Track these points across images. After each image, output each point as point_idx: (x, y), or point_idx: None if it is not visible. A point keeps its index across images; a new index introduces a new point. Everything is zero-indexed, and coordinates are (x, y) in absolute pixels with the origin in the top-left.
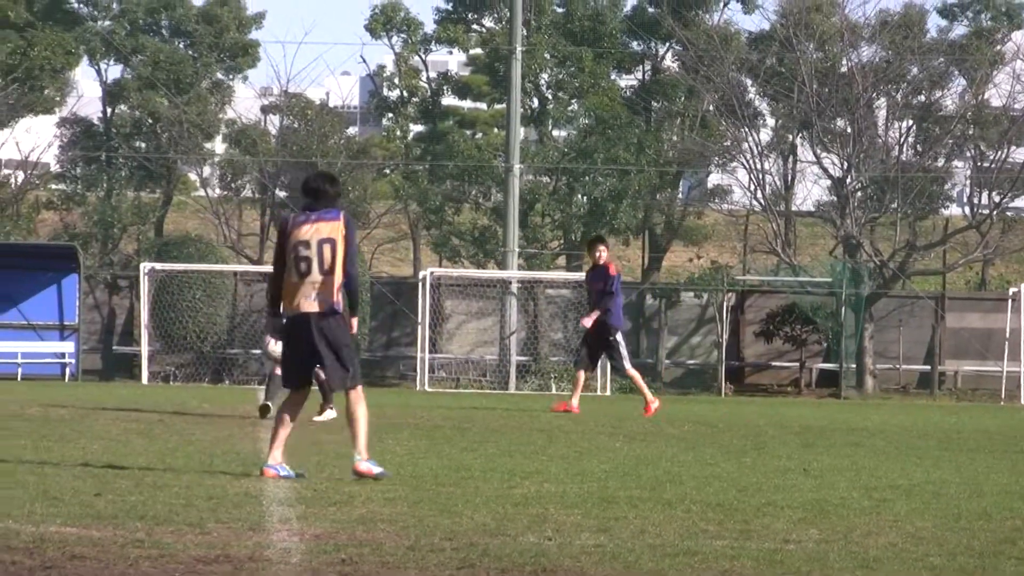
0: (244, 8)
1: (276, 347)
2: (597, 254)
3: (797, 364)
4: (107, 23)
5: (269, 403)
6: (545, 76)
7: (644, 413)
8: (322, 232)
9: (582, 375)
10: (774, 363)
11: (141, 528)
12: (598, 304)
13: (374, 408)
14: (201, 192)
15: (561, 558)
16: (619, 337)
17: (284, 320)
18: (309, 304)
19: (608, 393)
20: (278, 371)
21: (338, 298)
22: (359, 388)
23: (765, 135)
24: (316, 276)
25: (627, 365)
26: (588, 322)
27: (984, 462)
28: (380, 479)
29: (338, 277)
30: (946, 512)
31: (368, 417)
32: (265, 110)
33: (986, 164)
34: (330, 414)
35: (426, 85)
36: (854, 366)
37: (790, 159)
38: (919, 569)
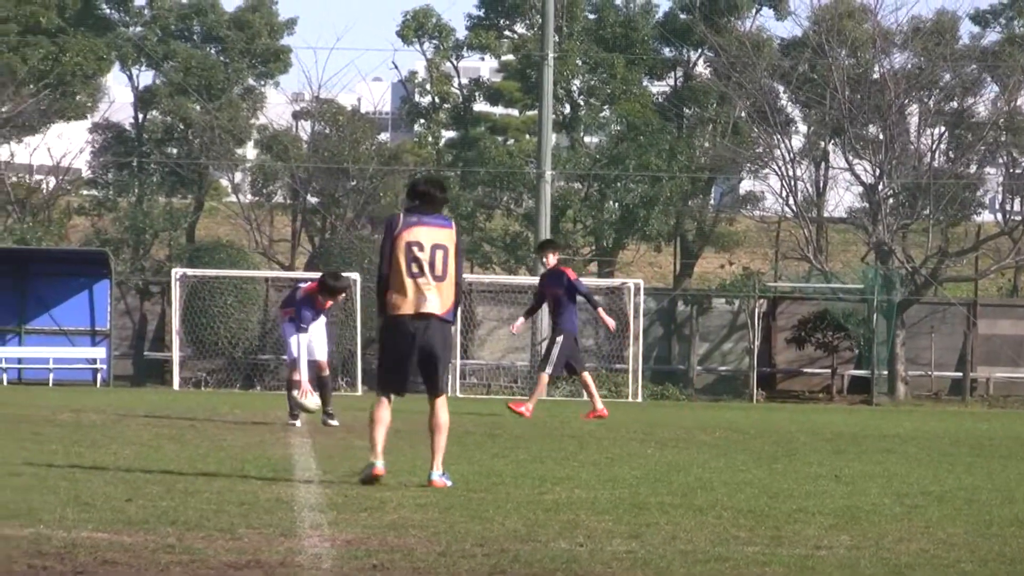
0: (276, 14)
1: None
2: (545, 259)
3: (829, 371)
4: (139, 29)
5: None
6: (577, 82)
7: (587, 415)
8: (436, 237)
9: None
10: (806, 369)
11: (172, 533)
12: (557, 309)
13: (406, 414)
14: (232, 198)
15: (592, 564)
16: (559, 340)
17: (386, 319)
18: (427, 306)
19: (640, 400)
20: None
21: (452, 307)
22: (444, 396)
23: (797, 141)
24: (428, 280)
25: (548, 370)
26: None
27: (1016, 469)
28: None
29: (452, 285)
30: (978, 519)
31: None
32: (296, 116)
33: (1018, 171)
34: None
35: (458, 91)
36: (886, 372)
37: (822, 165)
38: (949, 574)
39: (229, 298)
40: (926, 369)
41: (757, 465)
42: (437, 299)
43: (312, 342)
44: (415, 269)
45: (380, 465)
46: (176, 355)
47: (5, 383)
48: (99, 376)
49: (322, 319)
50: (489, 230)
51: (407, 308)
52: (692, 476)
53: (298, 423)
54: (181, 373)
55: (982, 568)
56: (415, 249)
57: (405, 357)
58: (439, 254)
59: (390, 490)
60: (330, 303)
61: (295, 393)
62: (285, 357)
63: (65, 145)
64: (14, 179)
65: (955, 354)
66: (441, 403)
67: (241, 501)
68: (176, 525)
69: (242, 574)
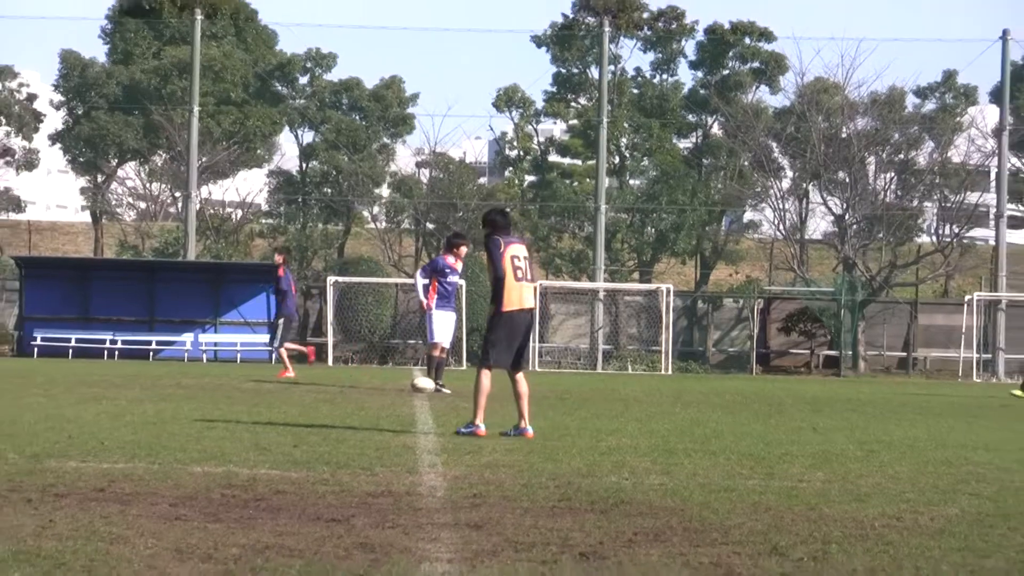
0: (403, 90)
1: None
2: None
3: (808, 351)
4: (302, 101)
5: (435, 382)
6: (624, 140)
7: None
8: (524, 251)
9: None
10: (792, 350)
11: (326, 471)
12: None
13: (497, 384)
14: (371, 225)
15: (635, 493)
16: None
17: (505, 316)
18: (530, 302)
19: (669, 372)
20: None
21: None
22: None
23: (786, 183)
24: (527, 282)
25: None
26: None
27: (947, 423)
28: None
29: (534, 285)
30: (918, 460)
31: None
32: (418, 165)
33: (948, 205)
34: (431, 386)
35: (536, 147)
36: (850, 353)
37: (804, 201)
38: (898, 502)
39: (368, 298)
40: (880, 350)
41: (755, 421)
42: (532, 297)
43: (448, 328)
44: (519, 274)
45: (483, 427)
46: (330, 340)
47: (205, 360)
48: (273, 356)
49: (452, 316)
50: (559, 248)
51: (518, 305)
52: (708, 428)
53: (448, 390)
54: (334, 353)
55: (921, 496)
56: (519, 260)
57: (516, 339)
58: (527, 263)
59: (486, 439)
60: (458, 262)
61: (418, 375)
62: (421, 341)
63: (248, 187)
64: (211, 211)
65: (901, 339)
66: (524, 375)
67: (377, 447)
68: (329, 465)
69: (378, 501)
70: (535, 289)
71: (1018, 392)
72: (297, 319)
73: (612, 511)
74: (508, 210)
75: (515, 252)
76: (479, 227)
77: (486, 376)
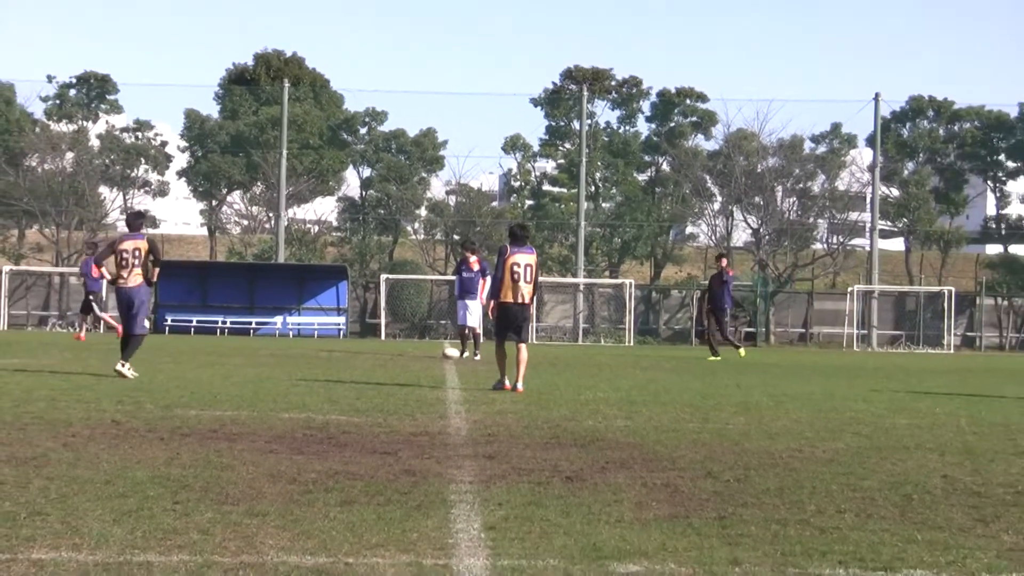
0: (436, 137)
1: (470, 319)
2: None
3: (733, 328)
4: (362, 146)
5: (457, 352)
6: (598, 174)
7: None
8: (526, 259)
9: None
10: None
11: (380, 417)
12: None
13: (511, 353)
14: (413, 236)
15: (606, 433)
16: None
17: (499, 305)
18: (521, 298)
19: (631, 344)
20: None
21: (532, 297)
22: (527, 343)
23: (716, 205)
24: (522, 283)
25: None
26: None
27: (835, 381)
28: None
29: (533, 287)
30: (814, 408)
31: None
32: (448, 192)
33: (835, 221)
34: (457, 354)
35: (534, 179)
36: (764, 329)
37: (730, 218)
38: (799, 439)
39: (411, 290)
40: (785, 328)
41: (694, 379)
42: (527, 294)
43: (470, 313)
44: (516, 277)
45: (507, 381)
46: (383, 321)
47: (291, 336)
48: (341, 333)
49: (479, 303)
50: (550, 253)
51: (511, 298)
52: (659, 385)
53: (479, 357)
54: (386, 331)
55: (816, 435)
56: (515, 267)
57: (511, 322)
58: (528, 269)
59: (496, 394)
60: (474, 261)
61: (447, 346)
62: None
63: (322, 208)
64: (295, 227)
65: (801, 319)
66: (524, 347)
67: (417, 399)
68: (382, 412)
69: (418, 439)
70: (533, 288)
71: (743, 352)
72: (102, 293)
73: (590, 446)
74: (526, 224)
75: (517, 260)
76: (496, 236)
77: (500, 348)
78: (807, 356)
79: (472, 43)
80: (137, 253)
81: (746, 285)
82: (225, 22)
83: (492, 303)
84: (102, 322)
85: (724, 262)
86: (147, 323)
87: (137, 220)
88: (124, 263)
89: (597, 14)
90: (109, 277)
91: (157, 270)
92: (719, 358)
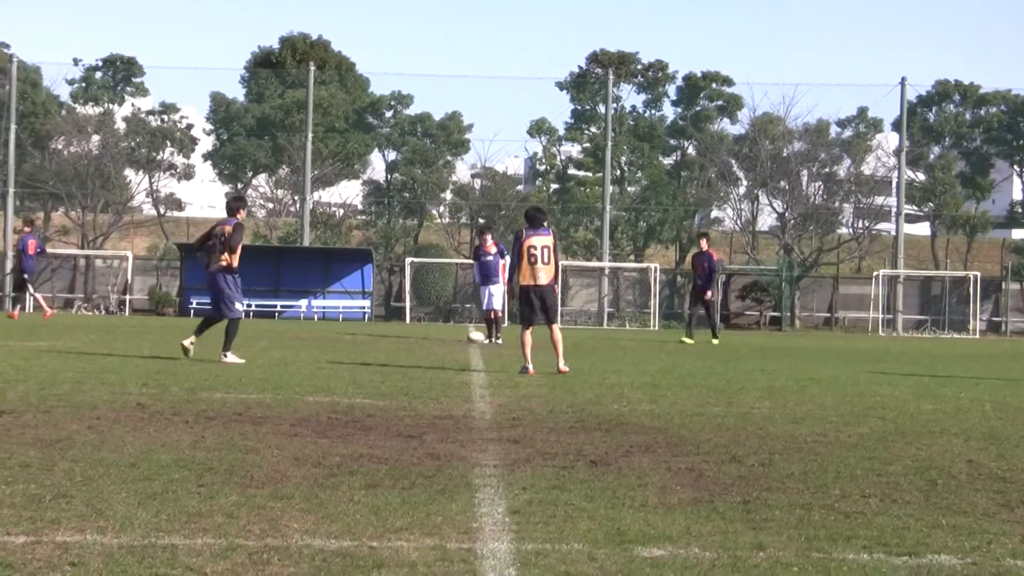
0: (461, 120)
1: (494, 303)
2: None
3: (758, 313)
4: (387, 129)
5: (482, 336)
6: (623, 158)
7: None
8: (542, 241)
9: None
10: (747, 312)
11: (404, 400)
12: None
13: (535, 337)
14: (438, 220)
15: (630, 417)
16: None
17: (519, 287)
18: (542, 280)
19: (657, 329)
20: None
21: (553, 279)
22: (558, 323)
23: (742, 190)
24: (540, 265)
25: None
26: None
27: (861, 366)
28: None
29: (552, 267)
30: (838, 393)
31: (563, 340)
32: (473, 176)
33: (861, 205)
34: (482, 338)
35: (559, 163)
36: (789, 314)
37: (755, 203)
38: (824, 424)
39: (436, 274)
40: (811, 312)
41: (720, 364)
42: (545, 276)
43: (494, 297)
44: (533, 260)
45: (531, 367)
46: (408, 304)
47: (316, 320)
48: (366, 316)
49: (501, 286)
50: (575, 237)
51: (530, 281)
52: (685, 369)
53: (500, 340)
54: (411, 314)
55: (841, 419)
56: (532, 249)
57: (532, 306)
58: (545, 251)
59: (520, 377)
60: (490, 244)
61: (472, 330)
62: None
63: (348, 192)
64: (321, 211)
65: (826, 303)
66: (556, 327)
67: (442, 383)
68: (407, 396)
69: (442, 422)
70: (553, 269)
71: (686, 340)
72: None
73: (614, 430)
74: (541, 207)
75: (533, 242)
76: (521, 220)
77: (526, 333)
78: (832, 341)
79: (498, 27)
80: (222, 238)
81: (771, 269)
82: (251, 5)
83: (508, 287)
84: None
85: (705, 243)
86: (238, 306)
87: (234, 204)
88: (212, 248)
89: None
90: (35, 252)
91: (227, 255)
92: (692, 341)
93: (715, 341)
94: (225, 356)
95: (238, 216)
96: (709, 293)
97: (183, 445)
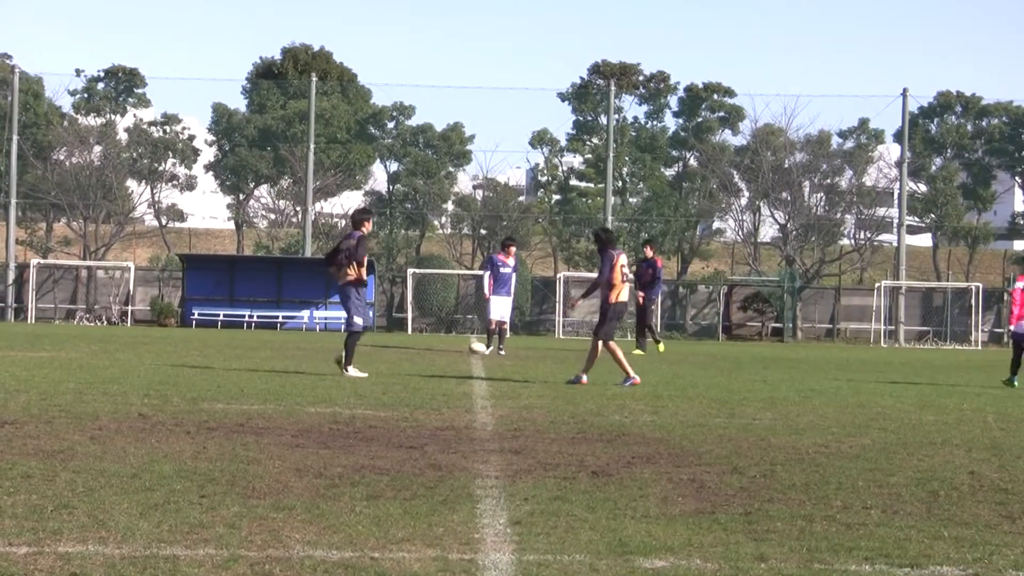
0: (463, 132)
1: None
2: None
3: (760, 324)
4: (390, 140)
5: (484, 347)
6: (625, 169)
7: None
8: (625, 259)
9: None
10: (748, 323)
11: (406, 411)
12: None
13: (538, 347)
14: (440, 230)
15: (632, 428)
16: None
17: (614, 304)
18: (626, 296)
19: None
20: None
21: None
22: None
23: (743, 200)
24: (627, 282)
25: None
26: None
27: (862, 376)
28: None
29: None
30: (840, 404)
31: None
32: (474, 187)
33: (862, 216)
34: (484, 349)
35: (561, 174)
36: (791, 325)
37: (757, 214)
38: (826, 434)
39: (438, 284)
40: (812, 323)
41: (721, 375)
42: (628, 291)
43: (502, 309)
44: (624, 279)
45: (585, 378)
46: (410, 315)
47: (318, 331)
48: (366, 327)
49: (510, 299)
50: (577, 248)
51: (622, 297)
52: (687, 380)
53: (504, 352)
54: (413, 325)
55: (842, 430)
56: (623, 268)
57: (619, 321)
58: (623, 269)
59: (524, 387)
60: (508, 258)
61: (473, 341)
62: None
63: (350, 203)
64: (322, 221)
65: (828, 315)
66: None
67: (444, 393)
68: (408, 407)
69: (444, 433)
70: (629, 286)
71: (660, 348)
72: None
73: (616, 441)
74: (609, 227)
75: (623, 261)
76: (523, 231)
77: (612, 344)
78: (834, 352)
79: (499, 38)
80: (348, 253)
81: (773, 280)
82: (253, 16)
83: (606, 303)
84: (128, 314)
85: (649, 250)
86: (358, 320)
87: (358, 216)
88: (340, 262)
89: (624, 9)
90: None
91: (353, 267)
92: (643, 352)
93: (637, 351)
94: (346, 370)
95: (363, 229)
96: (641, 296)
97: (185, 456)
